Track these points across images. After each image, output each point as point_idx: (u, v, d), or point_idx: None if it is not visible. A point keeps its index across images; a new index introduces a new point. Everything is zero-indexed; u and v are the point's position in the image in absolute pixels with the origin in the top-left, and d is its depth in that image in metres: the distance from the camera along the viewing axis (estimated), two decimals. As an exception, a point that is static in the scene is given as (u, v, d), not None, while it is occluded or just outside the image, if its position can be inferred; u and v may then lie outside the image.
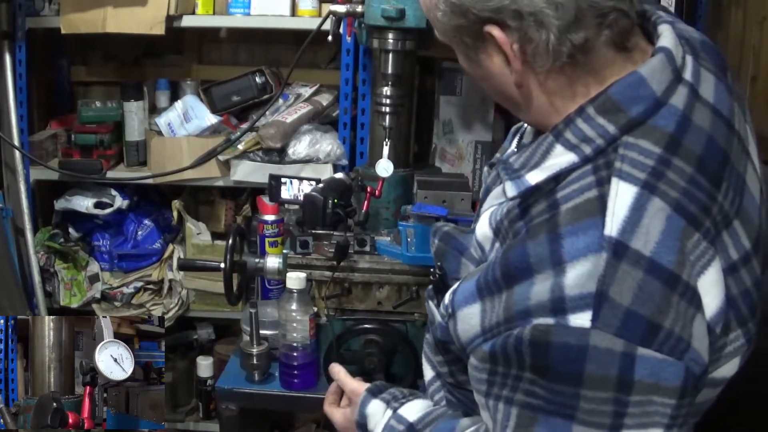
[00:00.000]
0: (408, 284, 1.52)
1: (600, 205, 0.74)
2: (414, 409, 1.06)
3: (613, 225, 0.73)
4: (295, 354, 1.51)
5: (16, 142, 2.13)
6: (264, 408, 1.67)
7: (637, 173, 0.75)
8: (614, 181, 0.75)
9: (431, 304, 1.08)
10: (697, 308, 0.73)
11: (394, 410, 1.07)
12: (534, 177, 0.81)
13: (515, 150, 1.00)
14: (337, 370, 1.25)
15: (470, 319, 0.82)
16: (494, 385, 0.80)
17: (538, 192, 0.81)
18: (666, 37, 0.81)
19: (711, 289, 0.75)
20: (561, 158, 0.80)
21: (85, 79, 2.50)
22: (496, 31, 0.78)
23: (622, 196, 0.74)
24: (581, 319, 0.71)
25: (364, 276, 1.53)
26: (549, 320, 0.73)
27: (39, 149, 2.19)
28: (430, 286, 1.09)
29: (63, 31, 2.06)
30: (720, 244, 0.77)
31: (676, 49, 0.80)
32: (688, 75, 0.80)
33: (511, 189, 0.83)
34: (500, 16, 0.77)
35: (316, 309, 1.53)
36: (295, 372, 1.52)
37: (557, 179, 0.80)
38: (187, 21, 2.11)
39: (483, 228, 0.92)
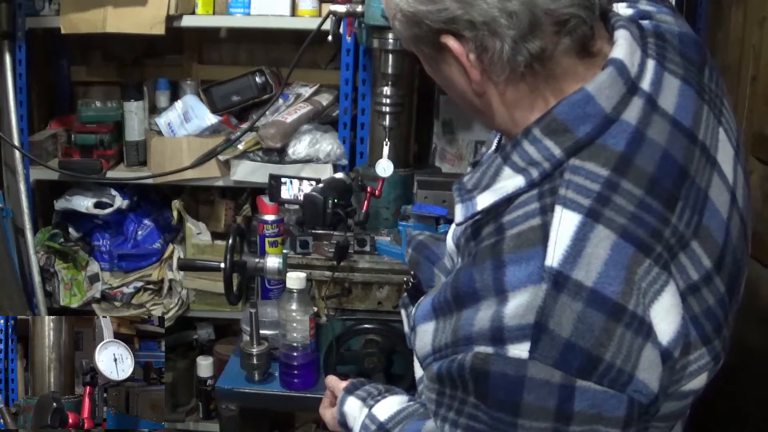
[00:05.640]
0: (408, 284, 1.52)
1: (542, 235, 0.73)
2: (386, 408, 1.06)
3: (554, 255, 0.71)
4: (295, 354, 1.51)
5: (16, 142, 2.13)
6: (264, 408, 1.67)
7: (581, 200, 0.73)
8: (557, 209, 0.73)
9: (404, 314, 1.08)
10: (645, 337, 0.71)
11: (370, 408, 1.07)
12: (483, 200, 0.80)
13: (490, 154, 0.96)
14: (330, 377, 1.26)
15: (425, 336, 0.82)
16: (442, 405, 0.80)
17: (489, 212, 0.80)
18: (620, 46, 0.77)
19: (666, 315, 0.73)
20: (509, 181, 0.78)
21: (85, 79, 2.50)
22: (451, 41, 0.76)
23: (564, 225, 0.72)
24: (519, 350, 0.71)
25: (364, 276, 1.53)
26: (489, 349, 0.72)
27: (39, 149, 2.19)
28: (405, 295, 1.09)
29: (63, 31, 2.06)
30: (676, 266, 0.75)
31: (631, 57, 0.77)
32: (646, 84, 0.77)
33: (459, 214, 0.83)
34: (454, 26, 0.75)
35: (316, 309, 1.53)
36: (295, 372, 1.52)
37: (508, 202, 0.78)
38: (187, 21, 2.10)
39: (449, 241, 0.92)
